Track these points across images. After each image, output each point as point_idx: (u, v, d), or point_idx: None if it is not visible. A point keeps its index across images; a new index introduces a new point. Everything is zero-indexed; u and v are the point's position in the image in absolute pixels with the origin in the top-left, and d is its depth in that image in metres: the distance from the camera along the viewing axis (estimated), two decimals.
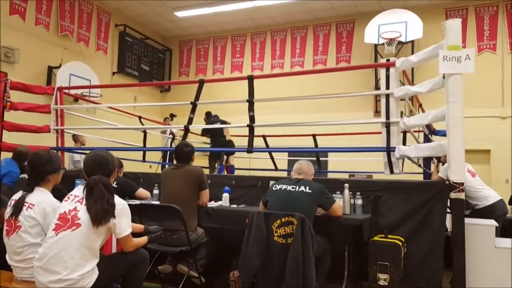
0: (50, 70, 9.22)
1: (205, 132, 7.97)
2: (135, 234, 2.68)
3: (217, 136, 7.74)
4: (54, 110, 5.49)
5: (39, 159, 2.74)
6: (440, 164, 5.17)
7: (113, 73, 11.18)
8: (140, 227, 2.93)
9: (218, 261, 3.84)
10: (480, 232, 3.39)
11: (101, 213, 2.37)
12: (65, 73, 9.07)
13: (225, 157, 8.03)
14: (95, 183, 2.46)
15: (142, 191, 4.23)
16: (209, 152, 7.95)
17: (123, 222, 2.48)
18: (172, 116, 9.33)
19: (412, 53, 8.44)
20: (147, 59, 12.08)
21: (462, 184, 3.27)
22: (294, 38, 11.48)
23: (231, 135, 7.99)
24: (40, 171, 2.71)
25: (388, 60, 4.06)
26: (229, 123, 7.37)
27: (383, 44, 9.58)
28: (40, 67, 9.07)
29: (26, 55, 8.63)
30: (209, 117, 8.17)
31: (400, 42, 9.52)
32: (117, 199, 2.51)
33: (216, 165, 7.80)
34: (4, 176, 4.84)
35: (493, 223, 3.56)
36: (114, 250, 3.19)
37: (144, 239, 2.77)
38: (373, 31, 9.71)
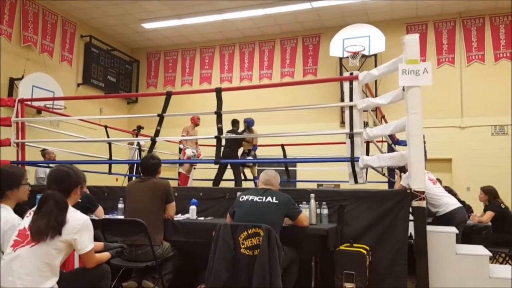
0: (12, 82, 8.91)
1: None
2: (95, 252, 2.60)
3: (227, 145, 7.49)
4: (15, 123, 5.32)
5: None
6: (402, 173, 5.31)
7: (78, 85, 10.92)
8: (100, 244, 2.85)
9: (185, 275, 3.78)
10: (441, 239, 3.48)
11: (43, 229, 2.30)
12: (27, 85, 8.79)
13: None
14: (47, 198, 2.40)
15: (100, 211, 4.12)
16: None
17: (84, 237, 2.40)
18: (140, 128, 9.21)
19: (376, 66, 8.72)
20: (114, 70, 11.88)
21: (423, 192, 3.36)
22: (262, 51, 11.62)
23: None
24: None
25: (351, 74, 4.17)
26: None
27: (347, 57, 9.84)
28: (1, 79, 8.76)
29: None
30: (234, 125, 7.82)
31: (364, 56, 9.81)
32: (79, 214, 2.45)
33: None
34: None
35: (453, 230, 3.65)
36: (76, 266, 3.10)
37: (106, 255, 2.71)
38: (338, 45, 9.97)
